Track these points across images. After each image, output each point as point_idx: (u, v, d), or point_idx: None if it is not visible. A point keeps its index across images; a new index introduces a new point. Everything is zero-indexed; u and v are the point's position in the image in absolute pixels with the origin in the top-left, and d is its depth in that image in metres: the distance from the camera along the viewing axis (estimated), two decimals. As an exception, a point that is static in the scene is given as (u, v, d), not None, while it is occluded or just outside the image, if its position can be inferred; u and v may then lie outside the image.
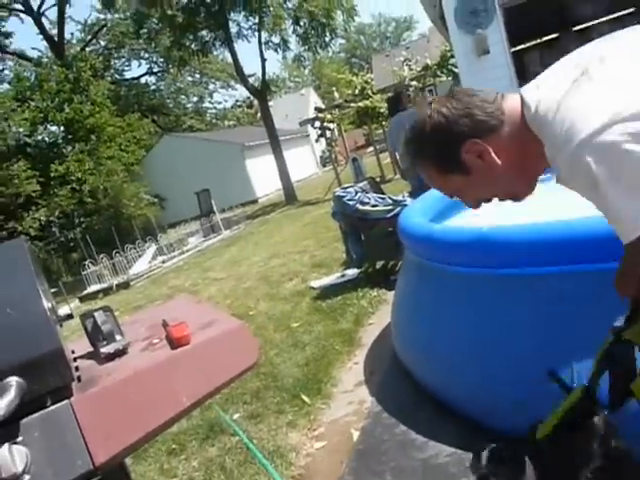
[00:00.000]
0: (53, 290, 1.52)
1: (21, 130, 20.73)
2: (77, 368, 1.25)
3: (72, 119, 20.16)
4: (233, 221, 15.09)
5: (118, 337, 1.32)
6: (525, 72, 7.16)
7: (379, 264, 5.16)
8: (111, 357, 1.25)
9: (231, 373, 1.21)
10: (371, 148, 19.79)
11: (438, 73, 14.10)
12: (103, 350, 1.27)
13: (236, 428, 2.95)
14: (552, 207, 2.08)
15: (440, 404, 2.52)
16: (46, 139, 22.08)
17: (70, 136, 20.90)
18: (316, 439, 2.71)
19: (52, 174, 19.12)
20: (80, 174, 19.29)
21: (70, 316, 1.36)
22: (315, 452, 2.60)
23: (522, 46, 10.38)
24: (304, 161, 28.66)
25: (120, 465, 1.28)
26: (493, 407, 2.19)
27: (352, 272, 5.36)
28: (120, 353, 1.25)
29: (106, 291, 10.63)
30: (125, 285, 10.66)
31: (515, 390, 2.07)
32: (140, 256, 12.17)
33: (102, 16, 28.43)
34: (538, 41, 11.17)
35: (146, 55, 31.14)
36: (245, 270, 7.91)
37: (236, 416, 3.14)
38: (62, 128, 21.18)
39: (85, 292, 10.99)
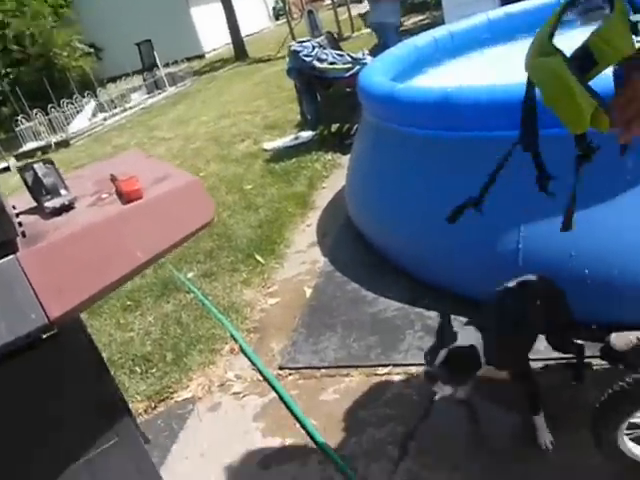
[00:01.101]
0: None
1: None
2: (20, 224, 1.17)
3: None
4: (178, 77, 14.08)
5: (63, 192, 1.23)
6: None
7: (334, 127, 5.03)
8: (57, 212, 1.17)
9: (187, 229, 1.17)
10: (328, 0, 18.33)
11: None
12: (47, 205, 1.18)
13: (190, 286, 3.01)
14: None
15: (391, 264, 2.62)
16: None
17: (-17, -32, 18.12)
18: (270, 296, 2.81)
19: (-33, 14, 16.86)
20: (1, 16, 17.11)
21: (6, 169, 1.24)
22: (269, 308, 2.71)
23: None
24: (255, 13, 26.38)
25: (76, 320, 1.27)
26: (444, 269, 2.29)
27: (306, 134, 5.22)
28: (66, 208, 1.18)
29: (44, 149, 10.01)
30: (65, 143, 10.07)
31: (469, 254, 2.15)
32: (79, 112, 11.35)
33: None
34: None
35: None
36: (193, 130, 7.57)
37: (190, 275, 3.19)
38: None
39: (21, 150, 10.33)
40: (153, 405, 2.21)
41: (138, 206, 1.11)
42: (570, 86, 0.93)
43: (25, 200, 1.29)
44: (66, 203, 1.17)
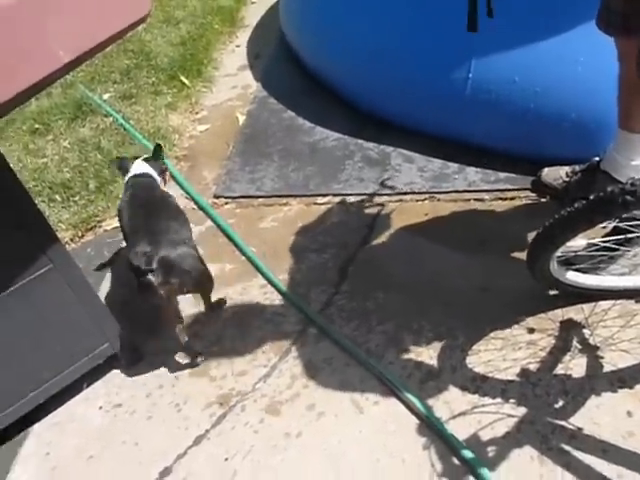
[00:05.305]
0: None
1: None
2: None
3: None
4: None
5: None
6: None
7: None
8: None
9: (118, 25, 0.97)
10: None
11: None
12: None
13: (108, 108, 2.71)
14: None
15: (329, 91, 2.47)
16: None
17: None
18: (199, 122, 2.61)
19: None
20: None
21: None
22: (199, 135, 2.53)
23: None
24: None
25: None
26: (390, 100, 2.19)
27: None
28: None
29: None
30: None
31: (419, 85, 2.05)
32: None
33: None
34: None
35: None
36: None
37: (106, 96, 2.86)
38: None
39: None
40: (80, 234, 2.10)
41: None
42: None
43: None
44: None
